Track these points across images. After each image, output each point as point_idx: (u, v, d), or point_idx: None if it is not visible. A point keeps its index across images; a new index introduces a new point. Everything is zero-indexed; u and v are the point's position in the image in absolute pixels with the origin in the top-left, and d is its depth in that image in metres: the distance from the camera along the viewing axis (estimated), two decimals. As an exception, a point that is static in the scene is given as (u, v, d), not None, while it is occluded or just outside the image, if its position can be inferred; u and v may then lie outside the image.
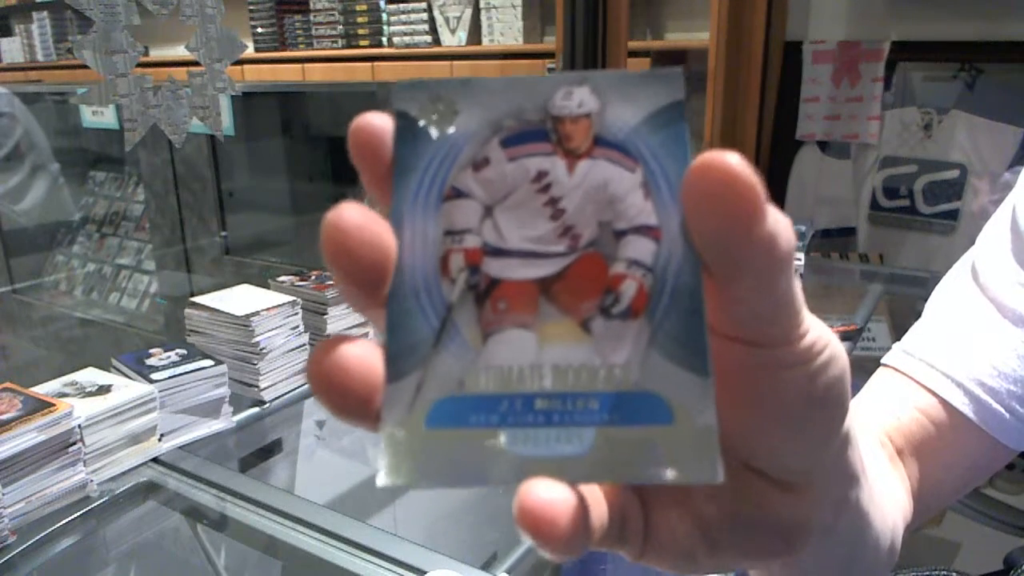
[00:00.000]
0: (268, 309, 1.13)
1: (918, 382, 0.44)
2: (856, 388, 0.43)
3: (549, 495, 0.17)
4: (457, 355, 0.18)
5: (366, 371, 0.18)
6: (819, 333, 0.21)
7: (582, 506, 0.18)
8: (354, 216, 0.18)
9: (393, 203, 0.19)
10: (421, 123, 0.19)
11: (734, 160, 0.17)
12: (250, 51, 2.95)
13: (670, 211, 0.19)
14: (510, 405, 0.18)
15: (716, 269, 0.18)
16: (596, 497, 0.20)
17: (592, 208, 0.19)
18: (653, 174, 0.19)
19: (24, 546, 0.82)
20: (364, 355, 0.18)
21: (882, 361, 0.47)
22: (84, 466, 0.89)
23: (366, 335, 0.18)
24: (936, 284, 0.50)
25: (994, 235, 0.47)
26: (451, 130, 0.19)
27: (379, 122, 0.19)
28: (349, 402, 0.18)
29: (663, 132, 0.19)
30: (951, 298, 0.47)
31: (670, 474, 0.18)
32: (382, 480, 0.18)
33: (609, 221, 0.19)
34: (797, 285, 0.20)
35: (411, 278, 0.19)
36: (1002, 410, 0.42)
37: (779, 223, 0.18)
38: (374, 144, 0.19)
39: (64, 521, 0.86)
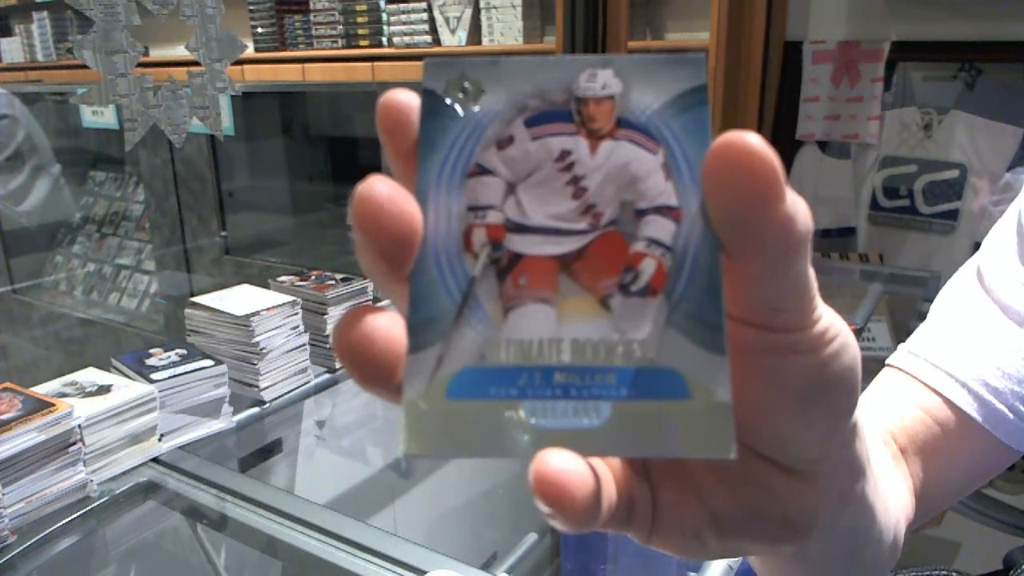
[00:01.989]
0: (268, 309, 1.13)
1: (922, 382, 0.44)
2: (857, 388, 0.43)
3: (564, 464, 0.17)
4: (478, 328, 0.19)
5: (390, 341, 0.18)
6: (831, 320, 0.21)
7: (595, 479, 0.18)
8: (384, 189, 0.18)
9: (418, 178, 0.19)
10: (448, 101, 0.20)
11: (754, 140, 0.17)
12: (250, 51, 2.94)
13: (690, 192, 0.19)
14: (529, 378, 0.19)
15: (734, 249, 0.19)
16: (605, 477, 0.21)
17: (614, 188, 0.19)
18: (674, 156, 0.19)
19: (24, 546, 0.82)
20: (389, 326, 0.19)
21: (887, 362, 0.47)
22: (84, 466, 0.89)
23: (387, 308, 0.19)
24: (936, 284, 0.50)
25: (999, 238, 0.47)
26: (477, 108, 0.20)
27: (406, 98, 0.19)
28: (373, 371, 0.18)
29: (685, 115, 0.19)
30: (956, 300, 0.47)
31: (685, 449, 0.18)
32: (403, 449, 0.18)
33: (630, 201, 0.19)
34: (811, 271, 0.20)
35: (435, 252, 0.19)
36: (1006, 410, 0.42)
37: (797, 205, 0.18)
38: (401, 120, 0.19)
39: (64, 521, 0.86)
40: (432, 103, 0.19)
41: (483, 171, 0.19)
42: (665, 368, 0.18)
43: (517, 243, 0.19)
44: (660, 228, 0.19)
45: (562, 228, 0.19)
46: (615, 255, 0.19)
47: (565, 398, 0.18)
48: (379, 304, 0.20)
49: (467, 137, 0.19)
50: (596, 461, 0.21)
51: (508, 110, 0.20)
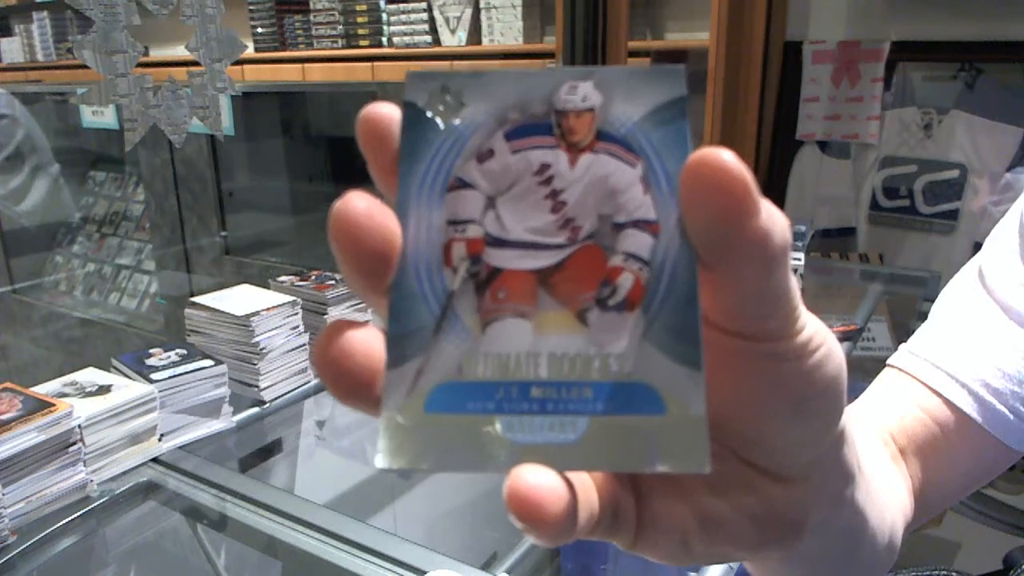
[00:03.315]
0: (268, 309, 1.13)
1: (923, 383, 0.44)
2: (857, 388, 0.43)
3: (537, 480, 0.17)
4: (456, 342, 0.19)
5: (369, 356, 0.19)
6: (815, 330, 0.21)
7: (571, 493, 0.18)
8: (361, 205, 0.18)
9: (399, 192, 0.19)
10: (428, 114, 0.20)
11: (727, 156, 0.17)
12: (250, 51, 2.94)
13: (669, 206, 0.19)
14: (506, 392, 0.19)
15: (710, 263, 0.19)
16: (587, 486, 0.21)
17: (592, 201, 0.19)
18: (653, 169, 0.19)
19: (24, 546, 0.82)
20: (367, 340, 0.19)
21: (888, 362, 0.47)
22: (84, 466, 0.89)
23: (366, 322, 0.19)
24: (936, 284, 0.50)
25: (1001, 238, 0.47)
26: (457, 121, 0.20)
27: (386, 111, 0.19)
28: (352, 386, 0.19)
29: (664, 128, 0.19)
30: (957, 301, 0.47)
31: (660, 464, 0.18)
32: (380, 462, 0.18)
33: (609, 214, 0.19)
34: (793, 281, 0.20)
35: (414, 266, 0.19)
36: (1006, 411, 0.42)
37: (773, 219, 0.18)
38: (381, 133, 0.19)
39: (64, 521, 0.86)
40: (413, 116, 0.19)
41: (463, 185, 0.19)
42: (641, 383, 0.18)
43: (496, 257, 0.19)
44: (638, 242, 0.19)
45: (540, 242, 0.19)
46: (593, 269, 0.19)
47: (542, 413, 0.18)
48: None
49: (448, 150, 0.19)
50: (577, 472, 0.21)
51: (489, 123, 0.20)
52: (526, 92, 0.20)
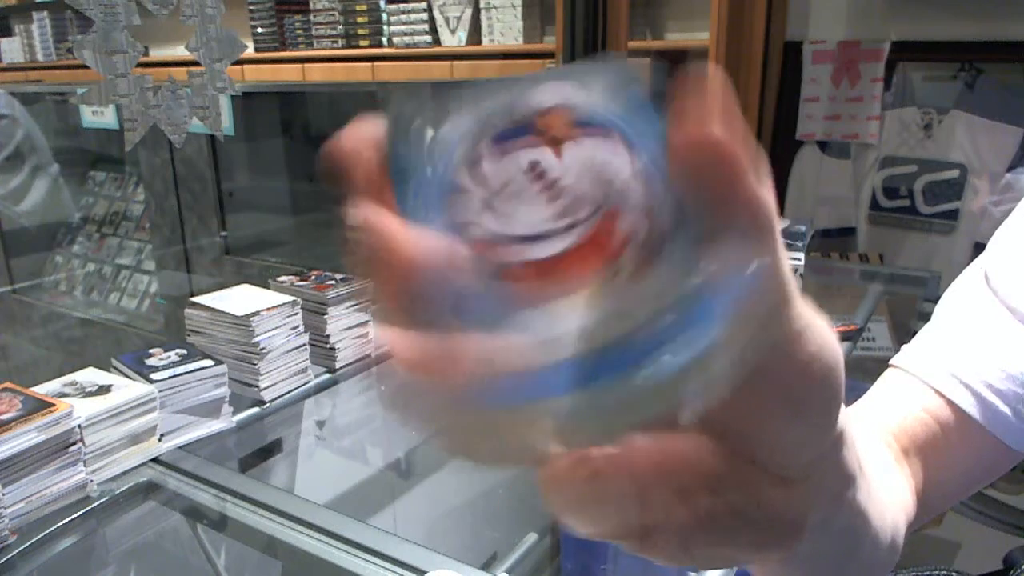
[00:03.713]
0: (268, 309, 1.13)
1: (925, 383, 0.44)
2: (857, 389, 0.43)
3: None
4: (478, 341, 0.19)
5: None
6: (811, 321, 0.22)
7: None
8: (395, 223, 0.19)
9: (397, 208, 0.20)
10: (415, 126, 0.21)
11: (715, 129, 0.18)
12: (250, 51, 2.94)
13: (659, 184, 0.20)
14: (533, 380, 0.19)
15: (709, 235, 0.19)
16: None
17: (585, 187, 0.20)
18: (637, 150, 0.20)
19: (24, 546, 0.82)
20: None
21: (890, 362, 0.47)
22: (84, 466, 0.89)
23: (366, 334, 0.19)
24: (936, 284, 0.50)
25: (1005, 239, 0.47)
26: (444, 131, 0.20)
27: (367, 132, 0.20)
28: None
29: (634, 110, 0.20)
30: (961, 301, 0.47)
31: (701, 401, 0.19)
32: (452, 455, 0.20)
33: (602, 198, 0.20)
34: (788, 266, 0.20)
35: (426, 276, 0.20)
36: (1008, 412, 0.42)
37: (760, 188, 0.19)
38: (364, 153, 0.20)
39: (64, 521, 0.86)
40: (400, 130, 0.20)
41: (458, 190, 0.20)
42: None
43: (502, 254, 0.20)
44: (635, 220, 0.20)
45: (543, 233, 0.20)
46: (597, 251, 0.20)
47: (578, 390, 0.19)
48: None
49: (438, 159, 0.20)
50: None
51: (474, 130, 0.20)
52: (506, 98, 0.20)
